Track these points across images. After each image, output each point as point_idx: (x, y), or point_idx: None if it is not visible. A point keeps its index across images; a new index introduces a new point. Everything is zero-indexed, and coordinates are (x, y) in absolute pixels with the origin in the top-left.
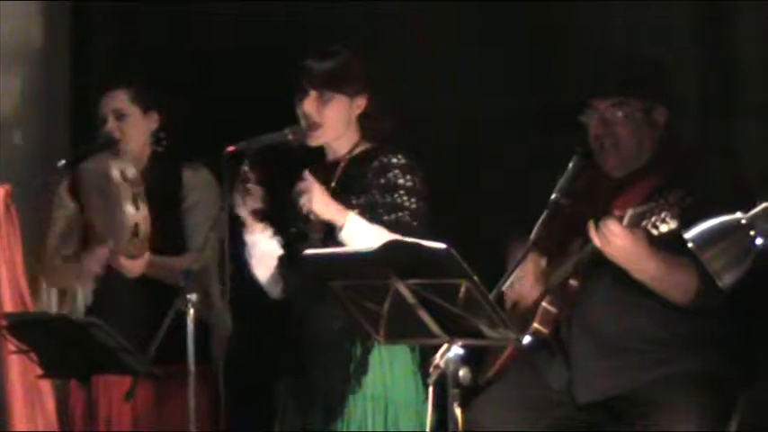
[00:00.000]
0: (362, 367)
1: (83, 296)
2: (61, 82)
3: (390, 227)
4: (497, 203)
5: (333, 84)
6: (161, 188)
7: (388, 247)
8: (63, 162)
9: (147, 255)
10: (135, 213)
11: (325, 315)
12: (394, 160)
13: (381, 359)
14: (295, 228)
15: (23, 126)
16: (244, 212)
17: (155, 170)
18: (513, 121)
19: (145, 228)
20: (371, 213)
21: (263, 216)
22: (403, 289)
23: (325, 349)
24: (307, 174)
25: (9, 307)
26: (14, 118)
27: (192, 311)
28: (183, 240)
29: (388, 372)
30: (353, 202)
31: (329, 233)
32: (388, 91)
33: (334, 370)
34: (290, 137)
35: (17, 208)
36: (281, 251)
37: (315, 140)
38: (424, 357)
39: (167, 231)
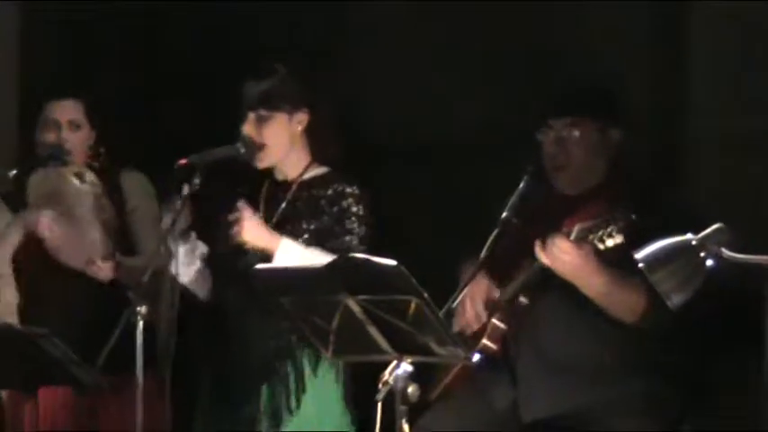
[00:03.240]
0: (298, 387)
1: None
2: (8, 88)
3: (337, 250)
4: (450, 225)
5: (268, 103)
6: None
7: (339, 262)
8: (12, 172)
9: (117, 255)
10: (102, 213)
11: (259, 333)
12: (348, 189)
13: (313, 388)
14: (233, 243)
15: None
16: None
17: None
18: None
19: (112, 226)
20: (321, 238)
21: (186, 233)
22: (353, 305)
23: (253, 369)
24: (240, 204)
25: None
26: None
27: (141, 323)
28: (133, 244)
29: (324, 394)
30: (304, 226)
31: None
32: (331, 104)
33: (270, 387)
34: (243, 150)
35: None
36: (198, 264)
37: (261, 162)
38: (348, 388)
39: (120, 235)
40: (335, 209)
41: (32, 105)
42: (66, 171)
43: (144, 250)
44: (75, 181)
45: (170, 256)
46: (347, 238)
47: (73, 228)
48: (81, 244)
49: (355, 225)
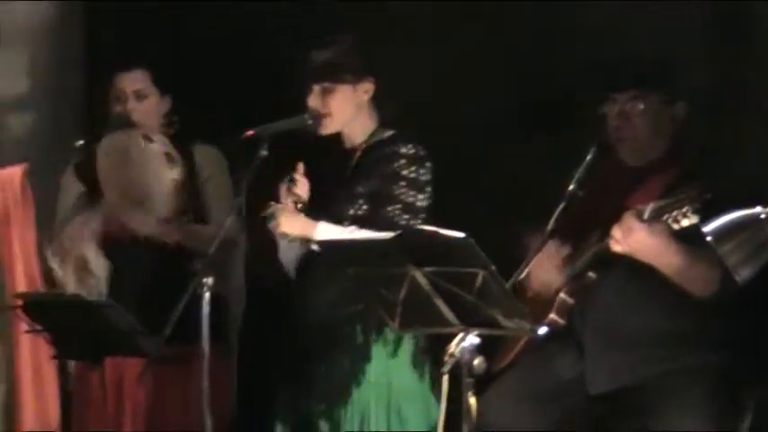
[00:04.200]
0: (365, 354)
1: (95, 265)
2: (74, 59)
3: (379, 221)
4: (504, 202)
5: (331, 75)
6: None
7: (406, 234)
8: (81, 142)
9: (184, 218)
10: (170, 171)
11: (330, 300)
12: (403, 150)
13: (385, 346)
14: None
15: (37, 106)
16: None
17: None
18: (515, 119)
19: (182, 185)
20: (371, 202)
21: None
22: (419, 277)
23: (327, 334)
24: (280, 189)
25: (22, 287)
26: (28, 98)
27: (207, 295)
28: (204, 212)
29: (392, 359)
30: (360, 190)
31: None
32: (394, 73)
33: (337, 355)
34: (310, 121)
35: (32, 189)
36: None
37: (325, 129)
38: (428, 346)
39: (190, 203)
40: (388, 170)
41: (99, 78)
42: (134, 133)
43: (215, 220)
44: (143, 141)
45: (240, 227)
46: (391, 207)
47: (142, 189)
48: (150, 205)
49: (404, 191)
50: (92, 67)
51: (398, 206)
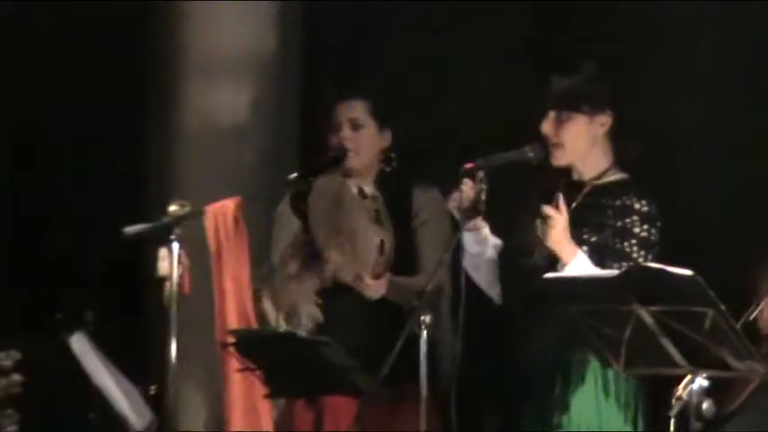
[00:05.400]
0: (572, 397)
1: (306, 316)
2: (292, 90)
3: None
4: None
5: (569, 103)
6: (391, 206)
7: (632, 272)
8: (294, 175)
9: (388, 275)
10: (379, 230)
11: (547, 340)
12: (637, 206)
13: (596, 385)
14: (524, 241)
15: (253, 137)
16: (455, 209)
17: (382, 188)
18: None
19: (389, 245)
20: (599, 254)
21: (474, 214)
22: (645, 316)
23: (539, 372)
24: (559, 199)
25: (234, 324)
26: (244, 129)
27: (425, 333)
28: (414, 260)
29: (603, 400)
30: (585, 236)
31: (553, 261)
32: (636, 109)
33: (546, 394)
34: (530, 155)
35: (246, 222)
36: (493, 254)
37: (556, 161)
38: (639, 386)
39: (400, 250)
40: (619, 224)
41: (314, 107)
42: (349, 182)
43: (424, 266)
44: (356, 193)
45: (453, 265)
46: (624, 264)
47: (348, 240)
48: (353, 258)
49: (635, 249)
50: (309, 97)
51: (624, 262)
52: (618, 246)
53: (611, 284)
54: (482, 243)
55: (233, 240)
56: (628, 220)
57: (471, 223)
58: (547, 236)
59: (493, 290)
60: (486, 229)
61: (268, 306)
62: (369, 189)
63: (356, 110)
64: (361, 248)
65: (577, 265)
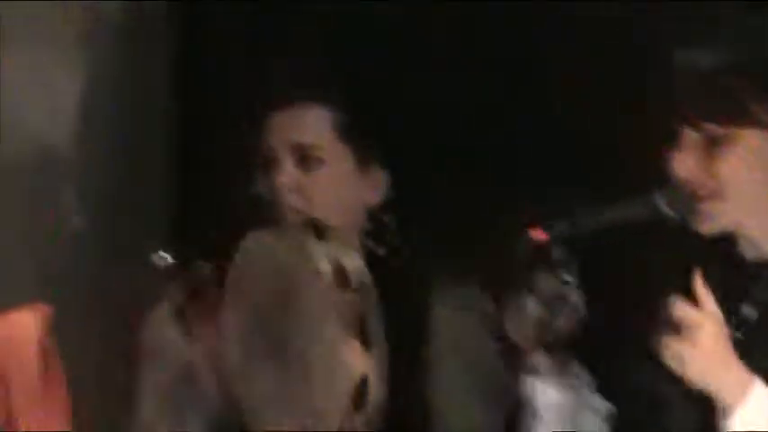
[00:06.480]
0: None
1: None
2: (155, 75)
3: None
4: None
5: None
6: (390, 310)
7: None
8: (165, 256)
9: None
10: (361, 355)
11: None
12: None
13: None
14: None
15: (78, 169)
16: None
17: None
18: None
19: (376, 388)
20: None
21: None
22: None
23: None
24: (703, 291)
25: None
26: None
27: None
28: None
29: None
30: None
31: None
32: None
33: None
34: (668, 210)
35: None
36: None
37: (707, 223)
38: None
39: (399, 402)
40: None
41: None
42: (314, 249)
43: None
44: (324, 272)
45: None
46: None
47: (294, 367)
48: (300, 403)
49: None
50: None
51: None
52: None
53: None
54: (566, 392)
55: (37, 390)
56: None
57: (544, 358)
58: (686, 360)
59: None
60: (575, 369)
61: None
62: (352, 265)
63: (309, 127)
64: (318, 384)
65: (757, 407)
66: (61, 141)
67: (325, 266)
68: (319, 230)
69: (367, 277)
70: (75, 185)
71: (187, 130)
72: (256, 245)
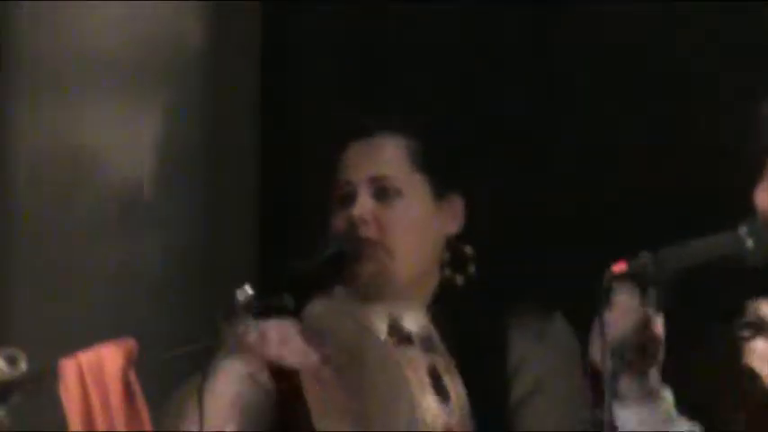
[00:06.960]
0: None
1: None
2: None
3: None
4: None
5: None
6: (464, 358)
7: None
8: (246, 297)
9: None
10: (440, 408)
11: None
12: None
13: None
14: None
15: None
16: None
17: (445, 323)
18: None
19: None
20: None
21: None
22: None
23: None
24: None
25: None
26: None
27: None
28: None
29: None
30: None
31: None
32: None
33: None
34: (750, 246)
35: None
36: None
37: None
38: None
39: None
40: None
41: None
42: (374, 313)
43: None
44: (389, 337)
45: None
46: None
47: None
48: None
49: None
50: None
51: None
52: None
53: None
54: (652, 415)
55: (120, 420)
56: None
57: (629, 382)
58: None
59: None
60: (668, 397)
61: None
62: (416, 326)
63: (386, 158)
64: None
65: None
66: (144, 182)
67: (381, 326)
68: (379, 290)
69: (431, 331)
70: (157, 228)
71: (271, 171)
72: (318, 312)
